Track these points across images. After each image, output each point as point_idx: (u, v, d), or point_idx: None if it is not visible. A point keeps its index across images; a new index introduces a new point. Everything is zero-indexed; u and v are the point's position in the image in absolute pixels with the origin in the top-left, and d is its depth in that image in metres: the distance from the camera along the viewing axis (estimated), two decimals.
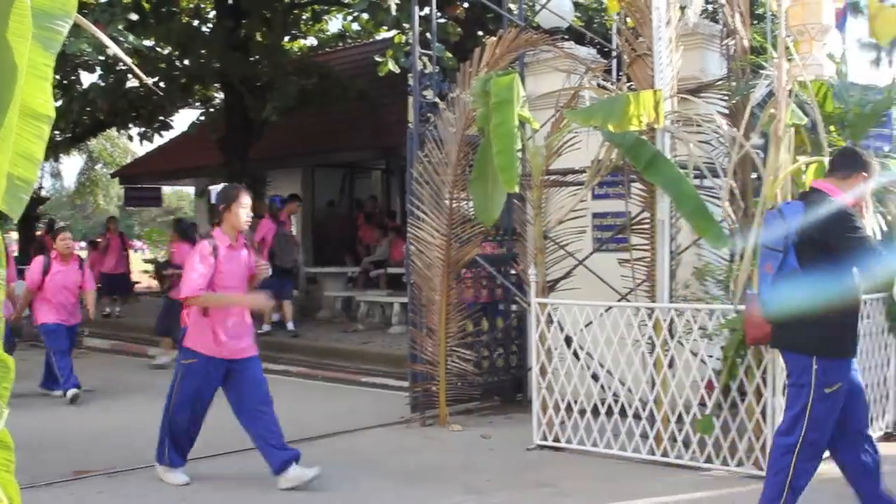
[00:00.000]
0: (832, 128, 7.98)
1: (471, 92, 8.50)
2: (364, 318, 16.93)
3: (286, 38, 21.51)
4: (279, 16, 19.27)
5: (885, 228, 7.08)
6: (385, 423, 9.51)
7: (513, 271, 10.03)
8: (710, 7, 14.80)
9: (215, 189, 7.23)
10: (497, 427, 9.20)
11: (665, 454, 7.53)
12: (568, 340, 8.23)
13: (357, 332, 16.11)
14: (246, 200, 7.18)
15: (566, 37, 11.14)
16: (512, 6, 11.18)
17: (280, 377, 13.12)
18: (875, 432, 8.04)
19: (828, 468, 6.01)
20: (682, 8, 8.28)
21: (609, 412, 7.84)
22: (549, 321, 8.15)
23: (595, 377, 8.06)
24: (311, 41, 24.73)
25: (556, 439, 8.13)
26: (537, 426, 8.22)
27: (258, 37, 19.66)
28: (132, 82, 19.28)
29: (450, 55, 13.81)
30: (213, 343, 7.07)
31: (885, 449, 7.80)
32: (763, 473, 6.93)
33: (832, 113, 8.13)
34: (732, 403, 7.23)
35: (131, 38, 14.36)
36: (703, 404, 7.35)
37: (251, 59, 19.38)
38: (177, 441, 7.26)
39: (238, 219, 7.15)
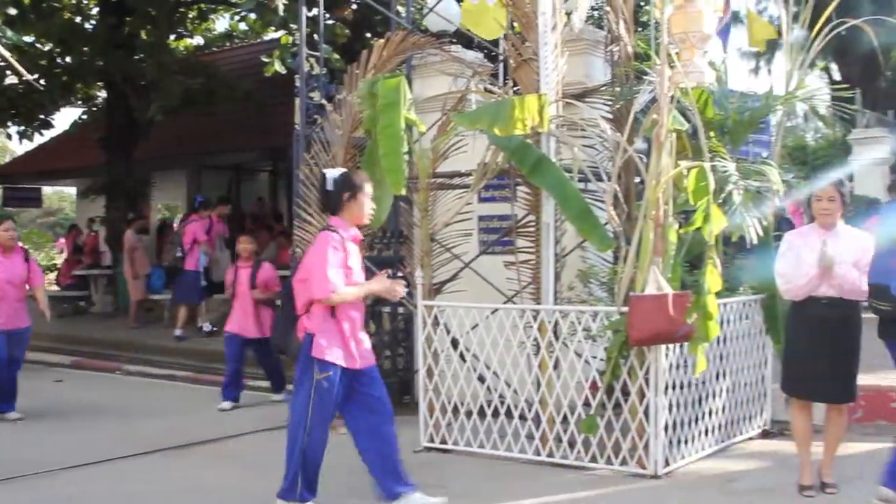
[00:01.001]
0: (712, 133, 8.15)
1: (358, 94, 8.46)
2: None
3: (172, 37, 21.20)
4: (164, 14, 18.98)
5: (760, 233, 7.25)
6: (271, 426, 9.41)
7: (399, 274, 10.02)
8: (595, 13, 15.01)
9: (332, 174, 6.38)
10: None
11: (551, 454, 7.60)
12: (454, 342, 8.26)
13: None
14: (371, 189, 6.48)
15: (454, 40, 11.20)
16: (400, 9, 11.18)
17: (165, 381, 12.96)
18: (753, 430, 8.27)
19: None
20: (568, 14, 8.37)
21: (495, 413, 7.88)
22: (436, 323, 8.16)
23: (481, 379, 8.10)
24: (198, 40, 24.41)
25: (444, 441, 8.15)
26: (424, 428, 8.22)
27: (143, 35, 19.34)
28: (11, 79, 18.83)
29: (337, 57, 13.78)
30: (346, 351, 6.26)
31: (762, 446, 8.06)
32: (646, 472, 7.08)
33: (713, 119, 8.31)
34: (616, 403, 7.33)
35: (10, 33, 14.00)
36: (587, 404, 7.43)
37: (135, 57, 19.07)
38: (308, 471, 6.44)
39: (363, 209, 6.36)
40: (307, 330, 6.24)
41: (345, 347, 6.24)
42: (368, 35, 16.98)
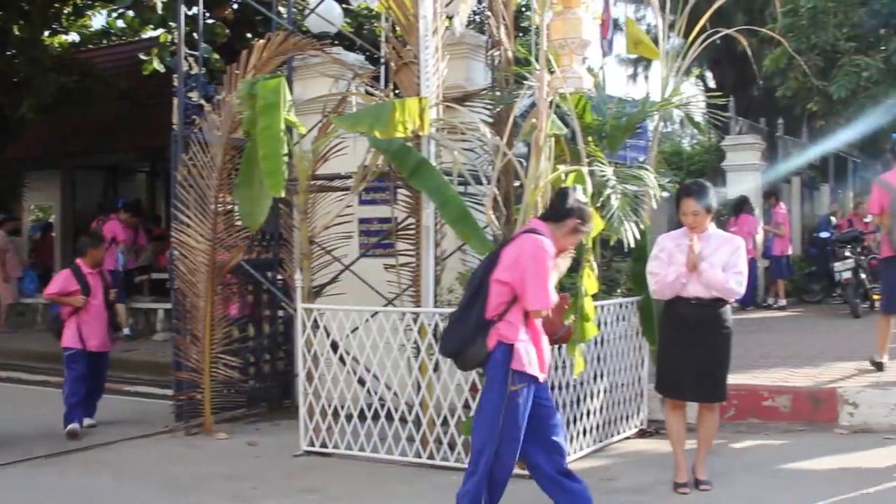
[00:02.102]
0: (591, 138, 8.27)
1: (237, 95, 8.38)
2: (128, 324, 16.45)
3: (46, 33, 20.66)
4: (38, 9, 18.53)
5: (637, 237, 7.37)
6: (149, 433, 9.28)
7: (279, 276, 9.95)
8: (476, 18, 15.13)
9: (579, 192, 6.03)
10: (264, 434, 9.11)
11: (431, 456, 7.60)
12: (334, 345, 8.22)
13: (120, 339, 15.63)
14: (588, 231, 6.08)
15: (335, 42, 11.15)
16: (281, 10, 11.09)
17: (39, 388, 12.63)
18: (630, 430, 8.41)
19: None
20: (449, 18, 8.40)
21: (376, 416, 7.87)
22: (316, 326, 8.12)
23: (362, 382, 8.08)
24: (73, 37, 23.82)
25: (324, 445, 8.10)
26: (304, 432, 8.17)
27: (15, 30, 18.81)
28: None
29: (217, 56, 13.66)
30: (540, 362, 5.79)
31: (639, 445, 8.20)
32: (525, 472, 7.12)
33: (591, 124, 8.43)
34: None
35: None
36: (467, 406, 7.46)
37: (7, 52, 18.54)
38: (495, 493, 5.85)
39: (573, 243, 6.01)
40: (505, 339, 5.67)
41: (539, 357, 5.80)
42: (249, 35, 16.84)
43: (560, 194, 6.07)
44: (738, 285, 6.47)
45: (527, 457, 5.94)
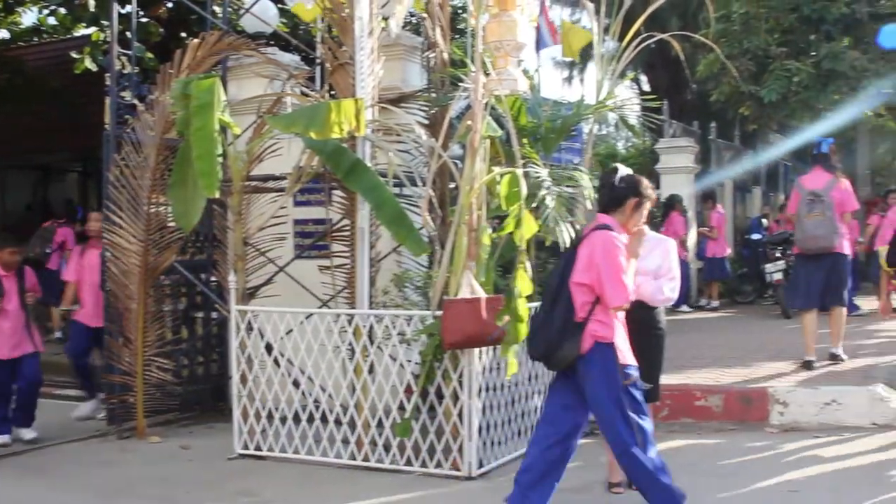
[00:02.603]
0: (526, 140, 8.30)
1: (171, 94, 8.30)
2: (59, 327, 16.21)
3: None
4: None
5: (573, 238, 7.41)
6: (80, 437, 9.17)
7: (213, 278, 9.87)
8: (412, 20, 15.13)
9: (624, 170, 5.83)
10: (197, 437, 9.04)
11: (366, 458, 7.60)
12: (268, 348, 8.18)
13: (52, 341, 15.41)
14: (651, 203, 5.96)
15: (270, 42, 11.09)
16: (216, 9, 10.99)
17: None
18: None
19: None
20: (385, 19, 8.40)
21: (310, 419, 7.83)
22: (250, 328, 8.07)
23: (296, 384, 8.05)
24: (3, 34, 23.42)
25: (258, 447, 8.05)
26: (238, 435, 8.11)
27: None
28: None
29: (150, 56, 13.48)
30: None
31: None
32: (460, 473, 7.15)
33: (526, 126, 8.46)
34: (431, 406, 7.39)
35: None
36: (402, 408, 7.46)
37: None
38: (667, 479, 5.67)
39: (640, 220, 5.85)
40: (602, 339, 5.61)
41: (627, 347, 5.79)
42: (183, 35, 16.64)
43: (604, 180, 5.99)
44: (671, 291, 6.39)
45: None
